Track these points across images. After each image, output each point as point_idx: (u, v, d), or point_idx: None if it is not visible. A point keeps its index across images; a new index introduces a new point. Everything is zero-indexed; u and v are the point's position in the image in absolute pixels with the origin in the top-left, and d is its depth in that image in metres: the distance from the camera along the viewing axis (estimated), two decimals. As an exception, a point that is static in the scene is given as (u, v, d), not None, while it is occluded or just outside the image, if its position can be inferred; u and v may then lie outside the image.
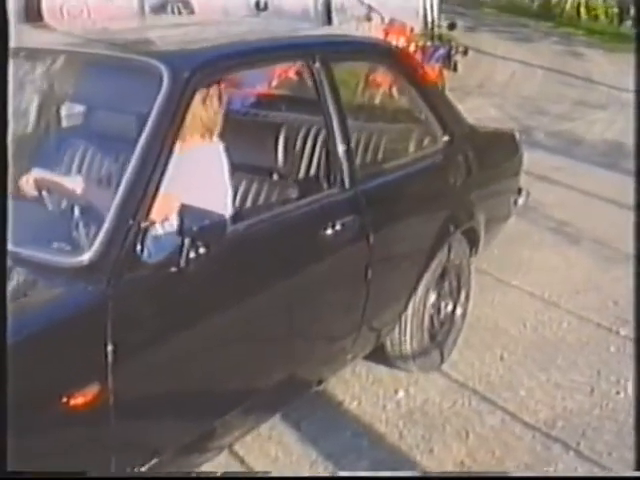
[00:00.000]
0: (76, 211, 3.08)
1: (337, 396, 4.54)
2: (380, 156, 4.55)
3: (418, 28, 14.92)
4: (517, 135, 5.65)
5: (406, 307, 4.45)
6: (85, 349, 2.72)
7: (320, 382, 4.13)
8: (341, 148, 3.89)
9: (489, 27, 19.79)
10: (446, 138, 4.68)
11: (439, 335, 4.81)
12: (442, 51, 9.89)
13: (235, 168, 3.61)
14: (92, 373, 2.70)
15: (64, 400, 2.60)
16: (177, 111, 3.12)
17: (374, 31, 9.84)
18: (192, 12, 8.80)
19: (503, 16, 22.91)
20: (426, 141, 4.68)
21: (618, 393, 4.71)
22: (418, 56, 9.50)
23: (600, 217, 7.43)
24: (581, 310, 5.67)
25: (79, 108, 4.03)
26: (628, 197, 7.55)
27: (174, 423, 3.18)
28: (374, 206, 4.02)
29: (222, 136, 3.59)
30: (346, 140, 3.92)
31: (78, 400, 2.63)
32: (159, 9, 8.70)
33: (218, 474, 3.78)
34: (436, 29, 15.58)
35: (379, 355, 4.63)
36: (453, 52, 9.95)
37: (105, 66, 3.53)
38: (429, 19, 17.00)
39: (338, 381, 4.60)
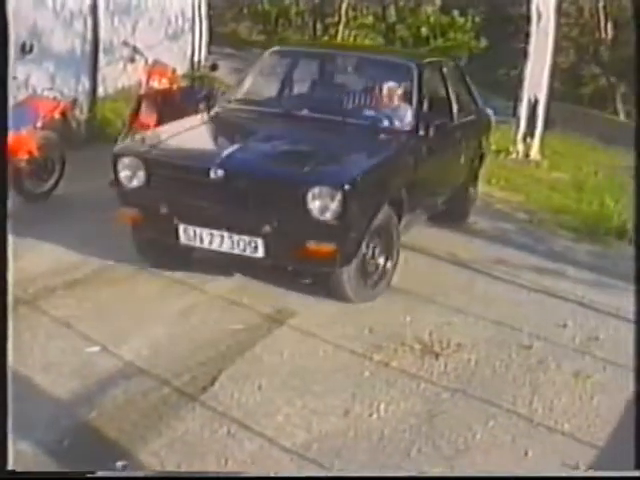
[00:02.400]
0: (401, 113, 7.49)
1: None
2: (462, 117, 8.53)
3: (184, 69, 15.12)
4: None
5: (466, 178, 9.02)
6: (411, 158, 7.22)
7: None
8: (455, 109, 8.28)
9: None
10: (473, 117, 8.99)
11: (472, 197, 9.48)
12: (204, 92, 10.06)
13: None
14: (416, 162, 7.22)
15: (413, 170, 7.18)
16: (419, 81, 7.59)
17: (138, 73, 9.95)
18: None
19: (274, 57, 23.30)
20: (470, 115, 8.87)
21: (371, 415, 5.00)
22: (179, 97, 9.66)
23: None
24: (337, 339, 5.95)
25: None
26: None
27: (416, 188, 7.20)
28: (462, 130, 8.41)
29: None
30: (456, 103, 8.36)
31: (415, 170, 7.20)
32: None
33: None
34: (202, 70, 15.78)
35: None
36: (215, 93, 10.13)
37: (375, 63, 8.66)
38: (196, 60, 17.18)
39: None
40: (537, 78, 13.15)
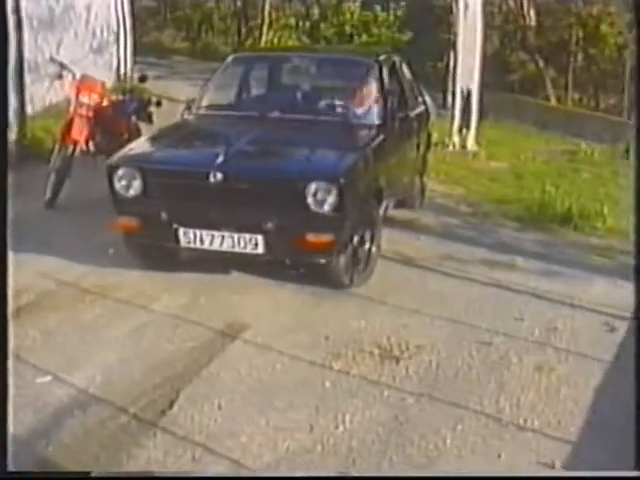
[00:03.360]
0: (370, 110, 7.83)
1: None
2: (414, 108, 9.04)
3: (111, 82, 14.89)
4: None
5: (421, 166, 9.68)
6: (384, 149, 7.47)
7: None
8: (409, 101, 8.79)
9: (181, 75, 19.96)
10: (422, 108, 9.45)
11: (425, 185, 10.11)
12: (135, 104, 9.87)
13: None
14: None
15: (387, 162, 7.73)
16: (381, 77, 8.01)
17: (67, 89, 9.73)
18: None
19: (197, 64, 23.13)
20: (419, 106, 9.35)
21: (337, 427, 4.86)
22: (111, 111, 9.47)
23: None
24: (293, 349, 5.80)
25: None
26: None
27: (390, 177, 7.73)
28: (416, 121, 8.93)
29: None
30: (409, 96, 8.91)
31: (389, 162, 7.83)
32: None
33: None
34: (129, 82, 15.57)
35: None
36: (146, 104, 9.94)
37: (336, 62, 9.23)
38: (122, 72, 16.96)
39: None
40: (468, 68, 13.19)
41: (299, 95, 8.37)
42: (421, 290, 7.05)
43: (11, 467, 3.44)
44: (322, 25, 22.89)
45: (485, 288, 7.18)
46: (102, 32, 16.18)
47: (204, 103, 8.19)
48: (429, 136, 9.98)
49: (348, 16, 22.73)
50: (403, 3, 22.72)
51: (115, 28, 16.74)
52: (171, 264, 7.19)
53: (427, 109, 9.68)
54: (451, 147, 13.24)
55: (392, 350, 5.85)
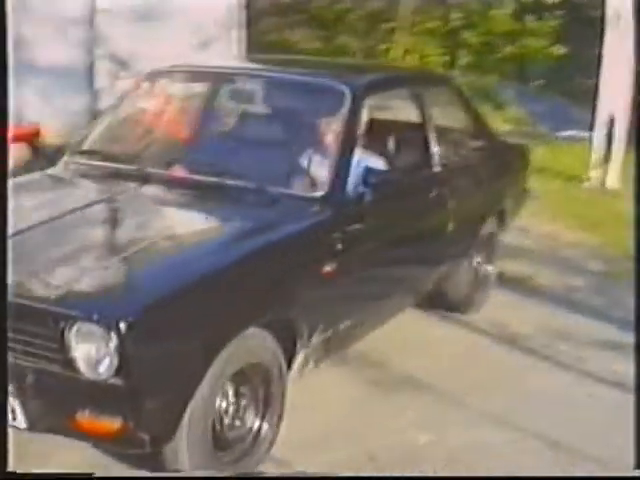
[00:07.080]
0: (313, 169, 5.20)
1: None
2: (455, 155, 6.82)
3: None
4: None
5: (467, 248, 6.81)
6: (321, 246, 4.86)
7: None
8: (435, 148, 6.19)
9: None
10: (478, 154, 7.05)
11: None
12: None
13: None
14: (333, 256, 4.83)
15: (322, 270, 4.73)
16: (356, 115, 5.38)
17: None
18: None
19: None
20: (474, 150, 7.05)
21: None
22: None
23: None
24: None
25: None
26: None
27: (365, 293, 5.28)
28: (455, 176, 6.43)
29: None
30: (438, 139, 6.28)
31: (327, 269, 4.74)
32: None
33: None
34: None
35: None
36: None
37: (290, 87, 6.04)
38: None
39: None
40: (614, 88, 11.58)
41: (221, 142, 6.00)
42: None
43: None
44: (465, 33, 21.44)
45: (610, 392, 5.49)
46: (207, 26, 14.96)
47: (84, 146, 5.88)
48: (502, 192, 7.38)
49: (494, 24, 21.24)
50: (559, 13, 21.12)
51: (225, 21, 15.48)
52: None
53: (503, 151, 7.46)
54: (586, 183, 11.71)
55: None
